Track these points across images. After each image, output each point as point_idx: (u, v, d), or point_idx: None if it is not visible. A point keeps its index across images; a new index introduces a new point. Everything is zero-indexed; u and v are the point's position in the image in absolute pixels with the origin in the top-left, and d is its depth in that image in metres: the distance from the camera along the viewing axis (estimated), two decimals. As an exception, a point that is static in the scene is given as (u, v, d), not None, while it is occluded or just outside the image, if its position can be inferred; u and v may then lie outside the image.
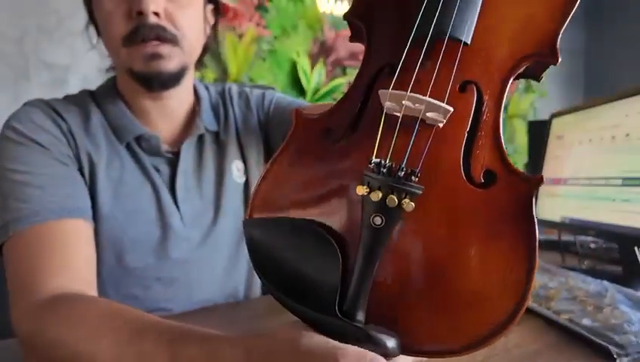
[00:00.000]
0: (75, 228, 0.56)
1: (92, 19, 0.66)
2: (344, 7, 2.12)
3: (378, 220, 0.30)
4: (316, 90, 2.12)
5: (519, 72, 0.35)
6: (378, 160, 0.31)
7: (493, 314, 0.30)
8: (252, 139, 0.76)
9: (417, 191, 0.30)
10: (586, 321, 0.53)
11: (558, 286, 0.67)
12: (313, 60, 2.11)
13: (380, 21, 0.40)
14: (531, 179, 0.32)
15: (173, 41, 0.60)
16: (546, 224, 1.01)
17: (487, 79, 0.35)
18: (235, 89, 0.80)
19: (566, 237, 1.02)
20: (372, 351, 0.29)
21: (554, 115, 1.07)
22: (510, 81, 0.35)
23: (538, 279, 0.70)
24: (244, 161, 0.75)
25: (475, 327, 0.30)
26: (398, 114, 0.33)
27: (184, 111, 0.71)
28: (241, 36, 1.92)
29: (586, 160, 0.91)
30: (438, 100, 0.33)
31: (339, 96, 2.20)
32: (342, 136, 0.36)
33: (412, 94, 0.33)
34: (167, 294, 0.67)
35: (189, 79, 0.70)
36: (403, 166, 0.31)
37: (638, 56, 2.79)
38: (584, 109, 0.96)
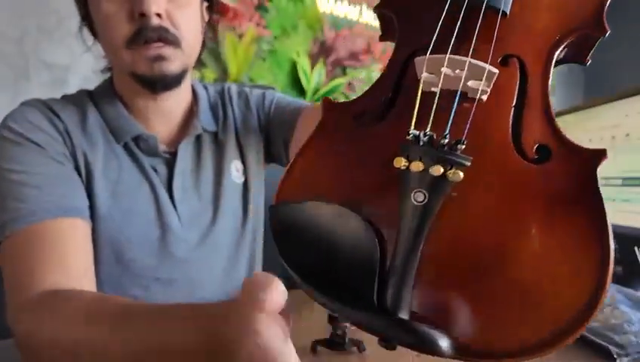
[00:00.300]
0: (71, 227, 0.56)
1: (87, 21, 0.65)
2: (344, 7, 2.12)
3: (420, 196, 0.26)
4: (316, 90, 2.12)
5: (565, 45, 0.33)
6: (417, 131, 0.28)
7: (562, 310, 0.25)
8: (251, 140, 0.76)
9: (465, 161, 0.27)
10: (585, 321, 0.53)
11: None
12: (313, 60, 2.11)
13: (411, 4, 0.39)
14: (593, 153, 0.29)
15: (175, 42, 0.60)
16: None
17: (530, 52, 0.33)
18: (234, 89, 0.80)
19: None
20: (420, 350, 0.26)
21: (554, 115, 1.07)
22: (556, 55, 0.33)
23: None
24: (243, 162, 0.75)
25: (540, 326, 0.25)
26: (436, 89, 0.31)
27: (182, 111, 0.71)
28: (241, 36, 1.92)
29: (586, 160, 0.91)
30: (480, 61, 0.30)
31: (339, 96, 2.20)
32: (375, 119, 0.34)
33: (452, 56, 0.31)
34: (166, 295, 0.67)
35: (188, 79, 0.70)
36: (447, 133, 0.27)
37: (638, 56, 2.79)
38: (584, 109, 0.96)
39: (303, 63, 2.07)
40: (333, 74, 2.18)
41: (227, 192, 0.72)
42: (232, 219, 0.72)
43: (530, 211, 0.28)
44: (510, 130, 0.31)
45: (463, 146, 0.27)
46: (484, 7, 0.34)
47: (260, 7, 1.97)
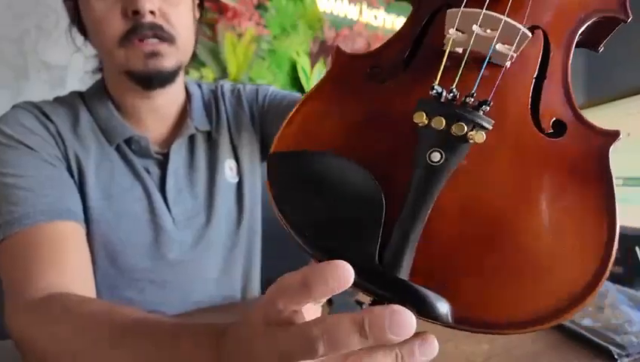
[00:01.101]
0: (66, 230, 0.55)
1: (77, 21, 0.64)
2: (344, 7, 2.12)
3: (436, 156, 0.26)
4: (316, 90, 2.12)
5: (587, 25, 0.33)
6: (440, 88, 0.27)
7: (564, 285, 0.25)
8: (245, 138, 0.75)
9: (488, 124, 0.26)
10: (586, 322, 0.52)
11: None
12: (313, 60, 2.11)
13: None
14: (606, 133, 0.28)
15: (170, 39, 0.60)
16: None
17: (554, 27, 0.33)
18: (227, 86, 0.79)
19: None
20: (419, 314, 0.24)
21: (554, 115, 1.07)
22: (578, 34, 0.33)
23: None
24: (237, 161, 0.74)
25: (539, 299, 0.25)
26: (460, 49, 0.31)
27: (175, 110, 0.70)
28: (240, 35, 1.91)
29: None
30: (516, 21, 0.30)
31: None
32: (391, 74, 0.33)
33: (488, 12, 0.30)
34: (161, 297, 0.66)
35: (181, 77, 0.69)
36: (473, 92, 0.26)
37: (638, 56, 2.78)
38: (584, 109, 0.96)
39: (303, 63, 2.07)
40: (333, 73, 2.17)
41: (221, 192, 0.71)
42: (226, 219, 0.72)
43: (541, 183, 0.28)
44: (530, 101, 0.30)
45: (488, 108, 0.26)
46: None
47: (260, 7, 1.97)
